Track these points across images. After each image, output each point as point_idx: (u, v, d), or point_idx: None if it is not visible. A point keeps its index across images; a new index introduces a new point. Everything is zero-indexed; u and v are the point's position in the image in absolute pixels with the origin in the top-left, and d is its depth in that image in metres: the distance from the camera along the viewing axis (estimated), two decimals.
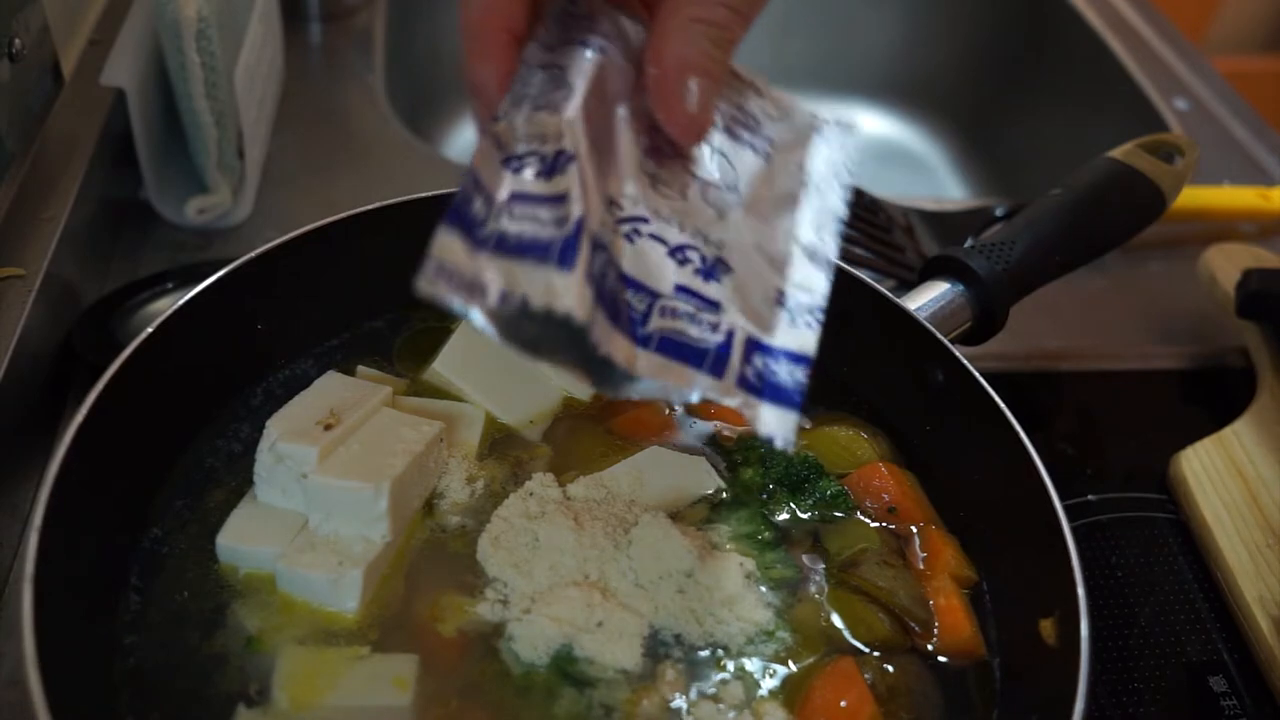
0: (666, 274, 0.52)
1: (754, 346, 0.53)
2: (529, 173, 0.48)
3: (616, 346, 0.48)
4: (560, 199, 0.48)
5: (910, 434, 0.75)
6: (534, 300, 0.45)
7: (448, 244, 0.45)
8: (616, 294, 0.50)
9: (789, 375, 0.53)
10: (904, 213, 1.07)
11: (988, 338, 0.80)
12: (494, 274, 0.45)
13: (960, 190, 1.53)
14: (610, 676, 0.59)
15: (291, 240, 0.72)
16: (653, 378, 0.49)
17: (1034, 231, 0.82)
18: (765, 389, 0.52)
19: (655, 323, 0.50)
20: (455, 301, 0.45)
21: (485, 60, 0.53)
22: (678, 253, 0.53)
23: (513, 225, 0.46)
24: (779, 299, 0.55)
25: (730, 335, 0.52)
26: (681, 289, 0.52)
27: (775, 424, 0.51)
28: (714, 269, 0.54)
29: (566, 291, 0.45)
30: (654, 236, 0.53)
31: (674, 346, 0.50)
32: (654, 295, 0.51)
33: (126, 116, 0.92)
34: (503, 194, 0.47)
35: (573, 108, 0.51)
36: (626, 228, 0.52)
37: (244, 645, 0.60)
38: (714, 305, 0.52)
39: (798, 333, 0.54)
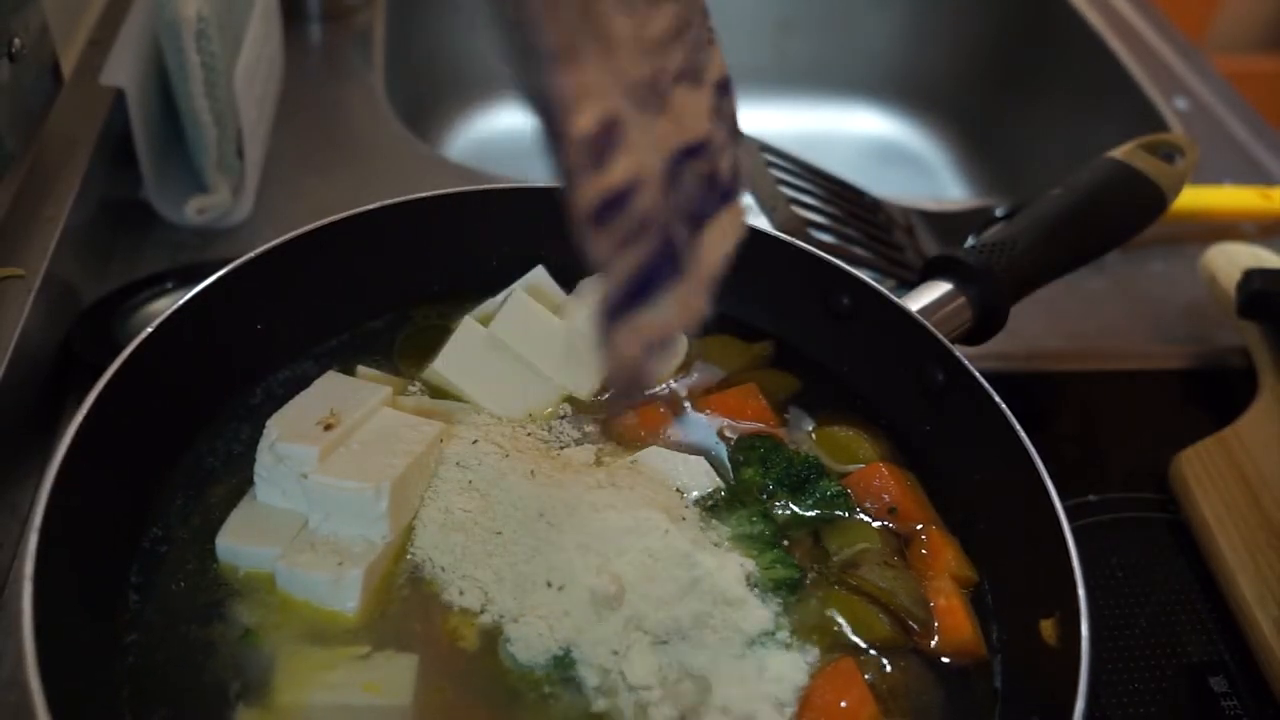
0: (702, 108, 0.50)
1: None
2: (590, 175, 0.43)
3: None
4: (631, 190, 0.44)
5: (911, 434, 0.75)
6: (675, 330, 0.46)
7: (607, 362, 0.45)
8: (692, 190, 0.48)
9: None
10: (904, 213, 1.07)
11: (988, 337, 0.81)
12: (643, 338, 0.45)
13: (960, 190, 1.53)
14: (608, 679, 0.59)
15: (291, 240, 0.72)
16: None
17: (1034, 231, 0.82)
18: None
19: (723, 164, 0.50)
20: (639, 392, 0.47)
21: None
22: (692, 68, 0.50)
23: (623, 266, 0.44)
24: None
25: None
26: (713, 112, 0.50)
27: None
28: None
29: (683, 300, 0.46)
30: (679, 76, 0.49)
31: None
32: (707, 142, 0.49)
33: (126, 116, 0.92)
34: (595, 239, 0.43)
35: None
36: (657, 97, 0.47)
37: (243, 644, 0.60)
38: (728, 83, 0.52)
39: None
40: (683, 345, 0.79)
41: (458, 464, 0.67)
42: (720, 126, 0.50)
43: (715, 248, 0.50)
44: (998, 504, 0.68)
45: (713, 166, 0.50)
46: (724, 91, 0.53)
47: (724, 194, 0.51)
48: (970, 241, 0.87)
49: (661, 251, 0.45)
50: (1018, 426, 0.66)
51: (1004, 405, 0.68)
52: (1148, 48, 1.41)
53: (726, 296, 0.81)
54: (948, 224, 1.07)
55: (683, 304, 0.47)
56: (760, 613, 0.63)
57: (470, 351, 0.74)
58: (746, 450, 0.72)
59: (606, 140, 0.42)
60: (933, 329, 0.73)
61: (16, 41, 0.80)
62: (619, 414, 0.43)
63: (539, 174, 0.56)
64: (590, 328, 0.44)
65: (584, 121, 0.41)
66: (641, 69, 0.46)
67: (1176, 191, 0.90)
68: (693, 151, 0.49)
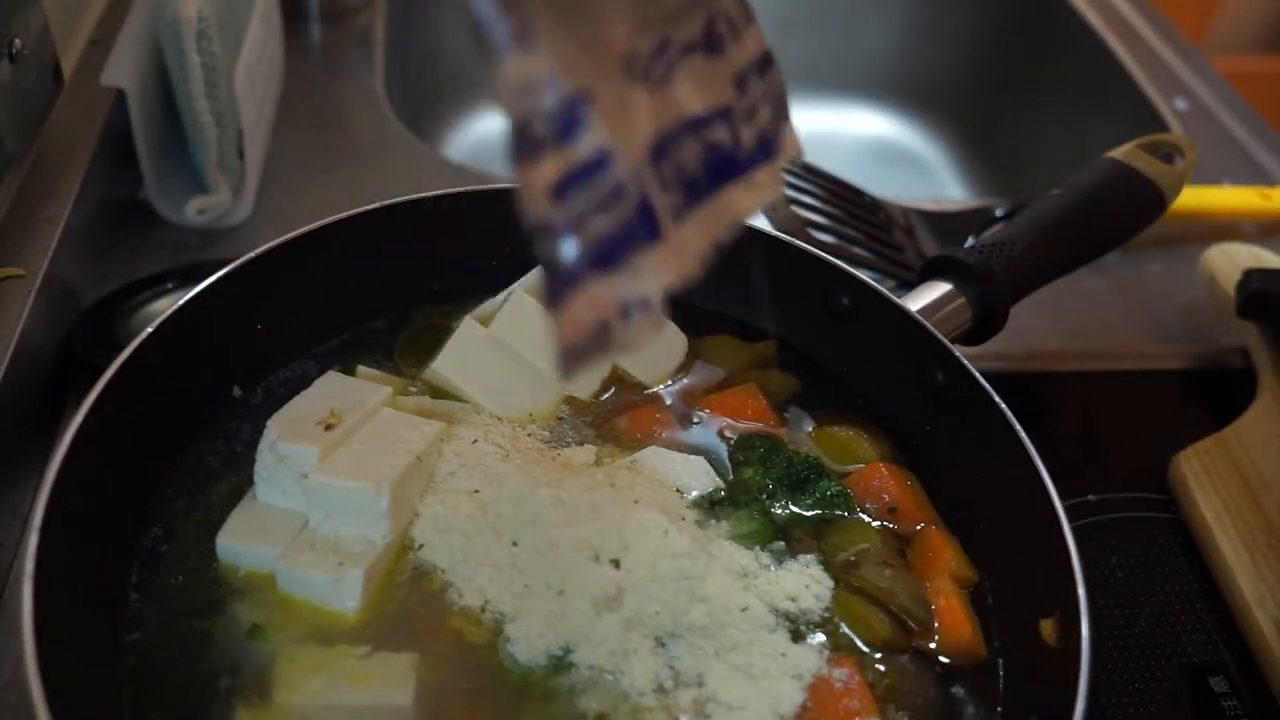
0: (723, 78, 0.49)
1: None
2: (550, 151, 0.42)
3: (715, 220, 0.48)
4: (600, 162, 0.43)
5: (911, 434, 0.75)
6: (651, 296, 0.45)
7: (560, 327, 0.43)
8: (691, 159, 0.48)
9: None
10: (904, 213, 1.07)
11: (988, 338, 0.81)
12: (610, 302, 0.43)
13: (960, 190, 1.53)
14: (607, 679, 0.59)
15: (291, 240, 0.72)
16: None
17: (1034, 232, 0.82)
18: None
19: (746, 135, 0.49)
20: (608, 359, 0.45)
21: None
22: (710, 39, 0.49)
23: (587, 235, 0.43)
24: None
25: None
26: (740, 81, 0.49)
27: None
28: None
29: (663, 264, 0.45)
30: (689, 47, 0.48)
31: (766, 146, 0.51)
32: (726, 112, 0.49)
33: (126, 116, 0.92)
34: (553, 212, 0.42)
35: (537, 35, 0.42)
36: (660, 67, 0.47)
37: (243, 644, 0.60)
38: (770, 58, 0.50)
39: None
40: (682, 345, 0.79)
41: (458, 464, 0.68)
42: (746, 95, 0.50)
43: (726, 212, 0.50)
44: (998, 504, 0.68)
45: (729, 136, 0.50)
46: (763, 67, 0.53)
47: (745, 161, 0.51)
48: (970, 242, 0.88)
49: (634, 220, 0.44)
50: (1018, 426, 0.66)
51: (1004, 405, 0.68)
52: (1148, 48, 1.41)
53: (726, 296, 0.82)
54: (947, 224, 1.07)
55: (662, 269, 0.46)
56: (759, 613, 0.63)
57: (471, 351, 0.74)
58: (746, 450, 0.72)
59: (571, 116, 0.42)
60: (932, 329, 0.73)
61: (17, 42, 0.80)
62: (571, 375, 0.43)
63: None
64: (543, 297, 0.43)
65: (544, 101, 0.41)
66: (633, 43, 0.46)
67: (1176, 192, 0.90)
68: (700, 123, 0.49)
